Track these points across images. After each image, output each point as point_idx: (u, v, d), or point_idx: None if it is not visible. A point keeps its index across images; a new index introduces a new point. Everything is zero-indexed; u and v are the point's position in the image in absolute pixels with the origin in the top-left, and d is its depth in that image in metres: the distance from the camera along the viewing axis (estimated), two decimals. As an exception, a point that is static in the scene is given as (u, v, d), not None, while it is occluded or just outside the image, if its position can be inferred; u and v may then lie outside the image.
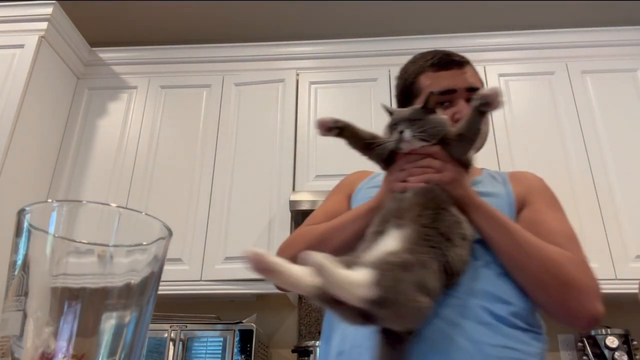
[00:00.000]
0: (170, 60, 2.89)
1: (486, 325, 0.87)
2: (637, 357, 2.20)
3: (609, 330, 2.25)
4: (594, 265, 0.92)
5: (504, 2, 2.96)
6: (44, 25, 2.55)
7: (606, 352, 2.19)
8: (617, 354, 2.17)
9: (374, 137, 0.98)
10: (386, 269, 0.73)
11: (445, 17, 3.05)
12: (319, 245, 0.95)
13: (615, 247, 2.25)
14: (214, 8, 3.04)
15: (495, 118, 2.56)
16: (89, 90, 2.85)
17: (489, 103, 0.88)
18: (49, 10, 2.57)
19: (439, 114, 0.95)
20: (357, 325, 0.78)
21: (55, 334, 0.38)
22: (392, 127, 0.94)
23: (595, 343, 2.24)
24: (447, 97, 1.09)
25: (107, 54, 2.91)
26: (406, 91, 1.17)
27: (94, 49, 2.91)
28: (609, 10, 2.96)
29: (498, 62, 2.72)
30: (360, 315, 0.74)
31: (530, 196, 1.05)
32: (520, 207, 1.04)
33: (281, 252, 1.07)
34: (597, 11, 2.97)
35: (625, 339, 2.22)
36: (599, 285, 0.92)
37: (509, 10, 3.00)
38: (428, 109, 0.93)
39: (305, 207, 2.31)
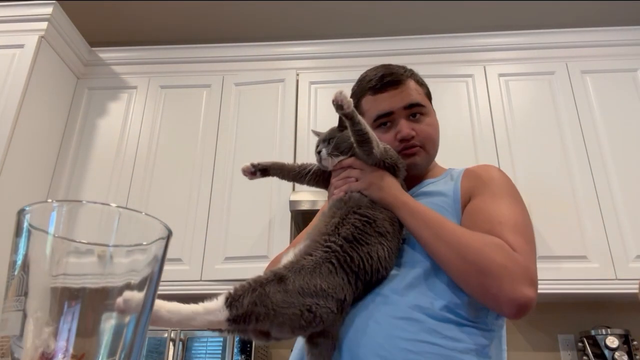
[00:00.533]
0: (170, 60, 2.89)
1: (407, 320, 0.88)
2: (638, 357, 2.20)
3: (609, 330, 2.25)
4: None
5: (504, 2, 2.96)
6: (43, 25, 2.55)
7: (606, 352, 2.19)
8: (617, 354, 2.17)
9: (301, 166, 1.13)
10: (239, 288, 0.82)
11: (445, 17, 3.05)
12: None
13: (615, 247, 2.25)
14: (214, 8, 3.04)
15: (496, 118, 2.56)
16: (88, 90, 2.85)
17: (339, 106, 0.94)
18: (48, 10, 2.57)
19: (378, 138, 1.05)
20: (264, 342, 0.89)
21: (55, 334, 0.37)
22: (316, 148, 1.08)
23: (595, 343, 2.24)
24: (386, 119, 1.13)
25: (107, 54, 2.91)
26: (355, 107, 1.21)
27: (93, 49, 2.91)
28: (609, 10, 2.96)
29: (498, 62, 2.72)
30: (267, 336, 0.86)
31: (477, 189, 1.03)
32: (466, 201, 1.03)
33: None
34: (597, 11, 2.97)
35: (626, 339, 2.22)
36: (530, 269, 0.88)
37: (509, 10, 3.00)
38: (342, 127, 1.04)
39: (305, 207, 2.31)
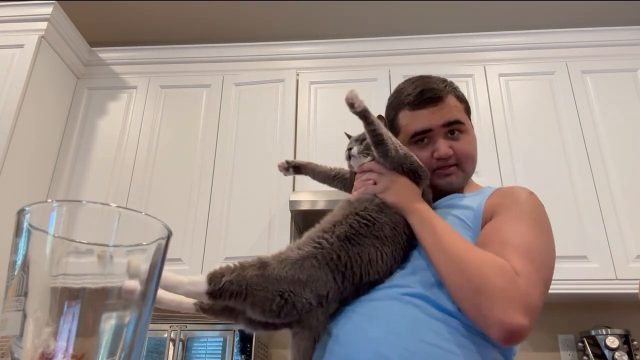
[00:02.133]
0: (170, 60, 2.89)
1: (411, 319, 0.87)
2: (638, 357, 2.20)
3: (609, 330, 2.25)
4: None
5: (504, 2, 2.96)
6: (43, 25, 2.55)
7: (606, 352, 2.19)
8: (617, 354, 2.17)
9: (333, 170, 1.20)
10: (223, 267, 0.89)
11: (445, 17, 3.05)
12: None
13: (615, 247, 2.25)
14: (214, 8, 3.04)
15: (496, 118, 2.56)
16: (88, 90, 2.85)
17: (351, 105, 0.96)
18: (48, 10, 2.57)
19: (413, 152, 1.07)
20: (254, 331, 1.01)
21: (55, 334, 0.37)
22: (347, 149, 1.10)
23: (595, 343, 2.24)
24: (424, 136, 1.10)
25: (107, 54, 2.91)
26: (391, 124, 1.17)
27: (93, 48, 2.91)
28: (610, 10, 2.96)
29: (498, 62, 2.72)
30: (249, 321, 0.95)
31: (500, 207, 0.99)
32: (487, 218, 0.99)
33: None
34: (597, 11, 2.97)
35: (626, 339, 2.22)
36: (530, 297, 0.82)
37: (509, 10, 3.00)
38: None
39: (305, 207, 2.30)
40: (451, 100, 1.11)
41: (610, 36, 2.69)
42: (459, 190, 1.13)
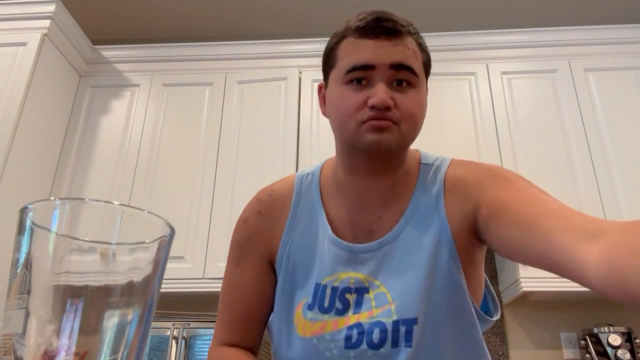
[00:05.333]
0: (172, 58, 2.89)
1: None
2: (640, 355, 2.20)
3: (611, 328, 2.25)
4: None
5: (506, 0, 2.95)
6: (46, 23, 2.56)
7: (609, 349, 2.19)
8: (620, 351, 2.17)
9: None
10: None
11: (447, 14, 3.04)
12: None
13: (619, 245, 2.24)
14: (217, 6, 3.04)
15: (498, 116, 2.55)
16: (91, 88, 2.85)
17: None
18: (51, 8, 2.57)
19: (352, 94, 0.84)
20: None
21: (58, 332, 0.37)
22: None
23: (598, 341, 2.24)
24: (363, 74, 0.83)
25: (110, 52, 2.91)
26: (325, 57, 0.92)
27: (96, 46, 2.91)
28: (612, 8, 2.94)
29: (501, 60, 2.72)
30: None
31: (479, 202, 0.81)
32: (465, 226, 0.83)
33: None
34: (600, 9, 2.96)
35: (628, 337, 2.22)
36: None
37: (511, 7, 2.99)
38: None
39: (307, 205, 2.30)
40: (410, 43, 0.87)
41: (613, 34, 2.68)
42: (391, 165, 0.88)
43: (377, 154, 0.85)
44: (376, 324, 0.83)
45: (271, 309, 0.95)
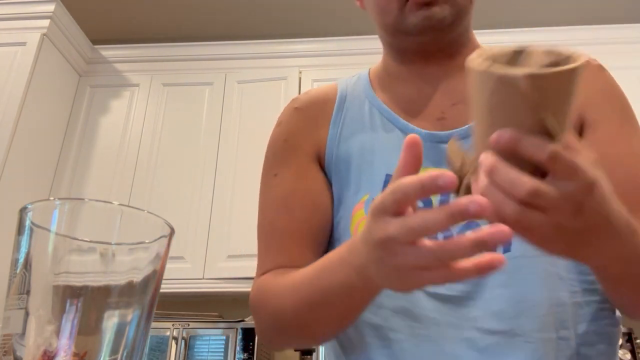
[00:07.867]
0: (172, 58, 2.88)
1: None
2: (640, 355, 2.19)
3: (612, 328, 2.25)
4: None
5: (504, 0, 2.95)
6: (46, 22, 2.55)
7: (609, 350, 2.19)
8: (620, 352, 2.17)
9: None
10: None
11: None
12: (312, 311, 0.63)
13: (619, 245, 2.24)
14: (217, 6, 3.04)
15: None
16: (91, 88, 2.85)
17: None
18: (51, 7, 2.57)
19: None
20: None
21: (57, 332, 0.37)
22: None
23: (598, 341, 2.24)
24: None
25: (110, 52, 2.91)
26: None
27: (96, 46, 2.91)
28: (613, 7, 2.94)
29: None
30: None
31: (597, 113, 0.68)
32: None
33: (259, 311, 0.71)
34: (600, 8, 2.96)
35: (629, 337, 2.22)
36: None
37: (509, 7, 2.99)
38: None
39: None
40: None
41: (615, 33, 2.69)
42: (451, 48, 0.74)
43: (431, 33, 0.70)
44: (468, 225, 0.61)
45: (326, 222, 0.74)
